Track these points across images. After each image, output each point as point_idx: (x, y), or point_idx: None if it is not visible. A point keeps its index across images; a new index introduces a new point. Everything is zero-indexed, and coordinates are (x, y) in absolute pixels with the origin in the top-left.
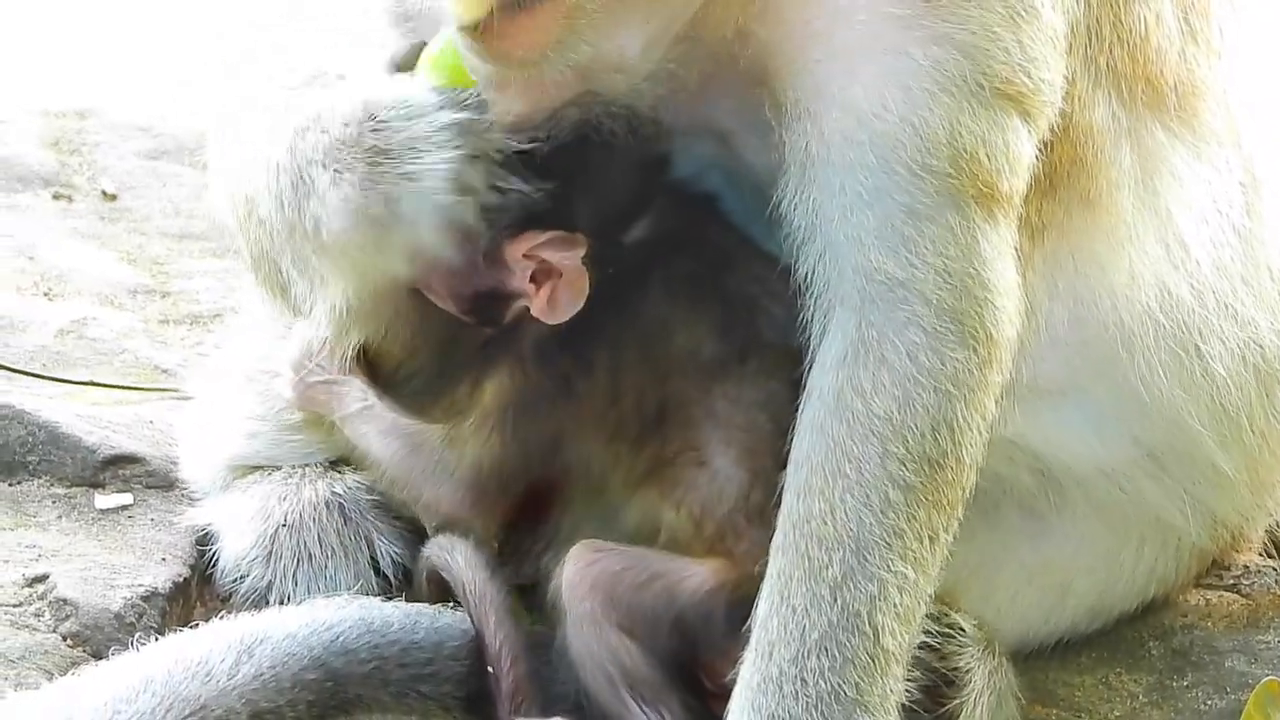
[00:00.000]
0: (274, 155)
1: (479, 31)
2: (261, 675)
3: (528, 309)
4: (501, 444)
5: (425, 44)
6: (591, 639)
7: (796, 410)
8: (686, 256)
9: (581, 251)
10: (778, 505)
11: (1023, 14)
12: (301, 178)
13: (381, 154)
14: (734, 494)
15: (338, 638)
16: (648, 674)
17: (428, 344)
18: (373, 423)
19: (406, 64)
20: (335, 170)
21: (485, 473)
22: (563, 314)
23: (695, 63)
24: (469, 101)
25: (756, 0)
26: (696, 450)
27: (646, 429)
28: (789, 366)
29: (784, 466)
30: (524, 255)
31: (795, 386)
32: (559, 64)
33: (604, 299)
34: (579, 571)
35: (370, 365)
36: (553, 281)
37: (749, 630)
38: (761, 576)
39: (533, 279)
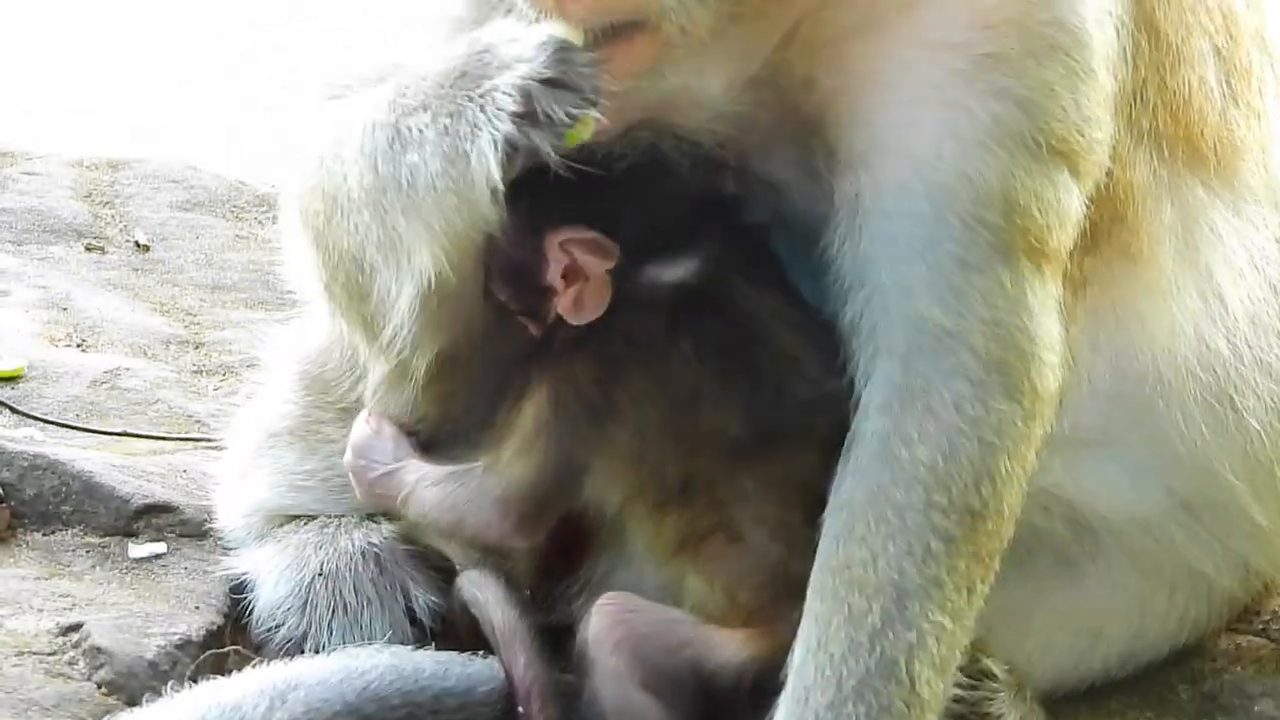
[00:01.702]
0: (369, 116)
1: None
2: None
3: (560, 320)
4: (540, 462)
5: None
6: (617, 696)
7: (830, 481)
8: (720, 321)
9: (611, 263)
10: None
11: (1081, 74)
12: (398, 129)
13: (474, 79)
14: (770, 567)
15: (369, 685)
16: None
17: (483, 353)
18: (428, 488)
19: None
20: (434, 110)
21: (524, 492)
22: (587, 316)
23: (766, 107)
24: (571, 43)
25: (825, 48)
26: (728, 528)
27: (668, 498)
28: (819, 444)
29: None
30: (560, 246)
31: (828, 459)
32: (647, 92)
33: (634, 343)
34: (605, 629)
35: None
36: (580, 283)
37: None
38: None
39: (564, 276)
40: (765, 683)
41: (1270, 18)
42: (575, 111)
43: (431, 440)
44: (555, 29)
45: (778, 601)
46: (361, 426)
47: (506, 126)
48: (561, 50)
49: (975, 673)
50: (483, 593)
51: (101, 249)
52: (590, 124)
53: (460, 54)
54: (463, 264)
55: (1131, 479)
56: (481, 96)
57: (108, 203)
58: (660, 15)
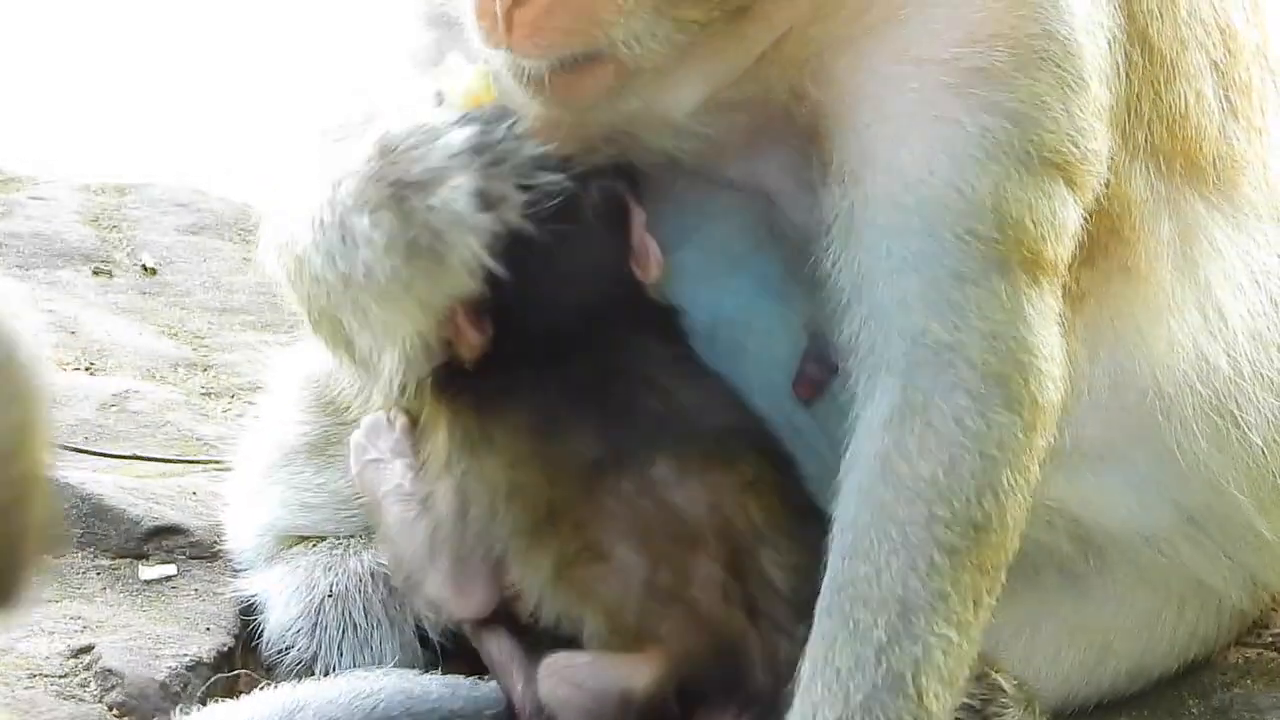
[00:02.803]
0: (317, 212)
1: (528, 84)
2: None
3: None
4: (454, 496)
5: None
6: None
7: (685, 491)
8: (584, 350)
9: (479, 338)
10: (689, 587)
11: (1072, 85)
12: (344, 227)
13: (406, 186)
14: (639, 580)
15: (377, 706)
16: None
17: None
18: (392, 505)
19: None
20: (371, 212)
21: (451, 528)
22: (473, 355)
23: (739, 127)
24: (479, 116)
25: (811, 61)
26: (593, 549)
27: (539, 526)
28: (670, 453)
29: (687, 544)
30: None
31: (679, 471)
32: (609, 114)
33: (511, 378)
34: (550, 690)
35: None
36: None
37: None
38: (696, 654)
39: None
40: (689, 693)
41: (1272, 34)
42: (527, 181)
43: None
44: (466, 103)
45: (655, 614)
46: (380, 414)
47: (479, 221)
48: (484, 134)
49: (985, 687)
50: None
51: (109, 273)
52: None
53: (376, 152)
54: (439, 324)
55: (1136, 493)
56: (432, 209)
57: (115, 226)
58: (613, 47)
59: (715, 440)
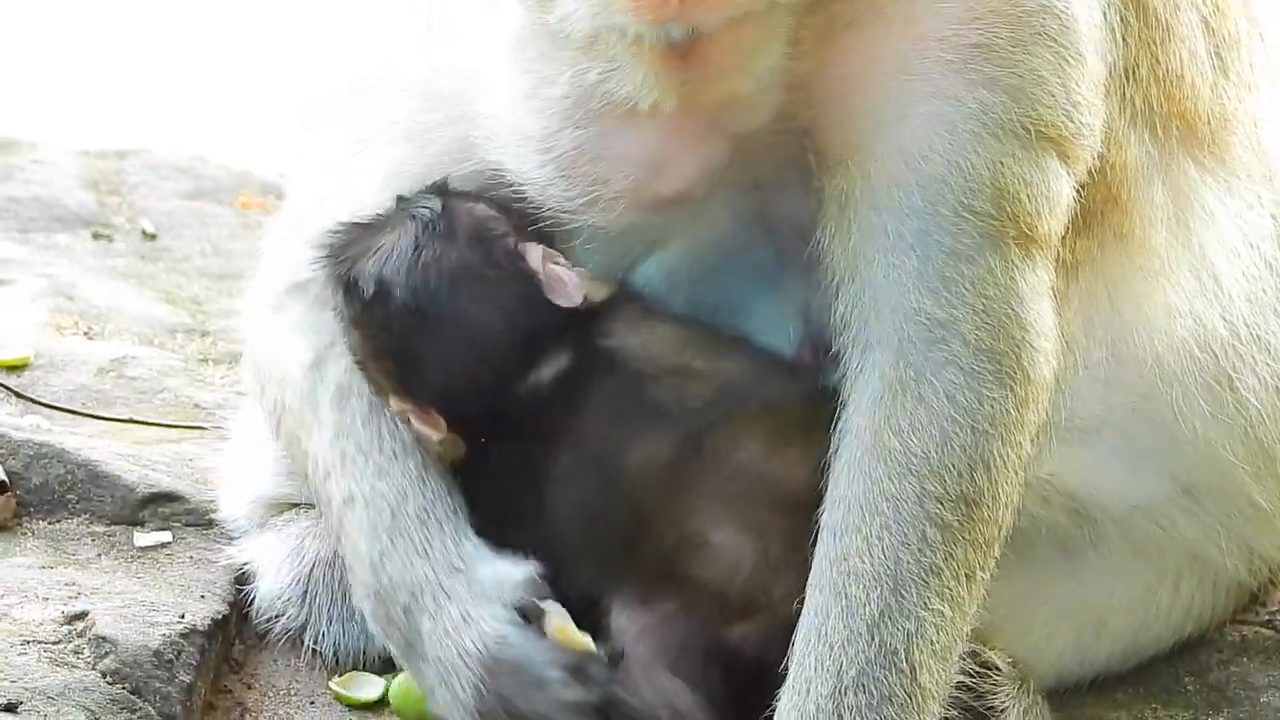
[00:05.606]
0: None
1: (668, 56)
2: None
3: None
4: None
5: None
6: (647, 682)
7: (783, 461)
8: (606, 379)
9: (438, 434)
10: (799, 544)
11: (1070, 60)
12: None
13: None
14: (750, 558)
15: None
16: (700, 717)
17: None
18: None
19: None
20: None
21: None
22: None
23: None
24: (590, 671)
25: (812, 51)
26: (690, 539)
27: (632, 537)
28: (752, 432)
29: (792, 511)
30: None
31: (769, 444)
32: (748, 83)
33: (545, 438)
34: (628, 620)
35: None
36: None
37: None
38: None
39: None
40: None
41: None
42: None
43: None
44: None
45: (768, 586)
46: None
47: None
48: (590, 701)
49: (979, 665)
50: None
51: (108, 238)
52: None
53: (472, 676)
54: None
55: (1131, 464)
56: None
57: (114, 191)
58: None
59: (788, 397)
